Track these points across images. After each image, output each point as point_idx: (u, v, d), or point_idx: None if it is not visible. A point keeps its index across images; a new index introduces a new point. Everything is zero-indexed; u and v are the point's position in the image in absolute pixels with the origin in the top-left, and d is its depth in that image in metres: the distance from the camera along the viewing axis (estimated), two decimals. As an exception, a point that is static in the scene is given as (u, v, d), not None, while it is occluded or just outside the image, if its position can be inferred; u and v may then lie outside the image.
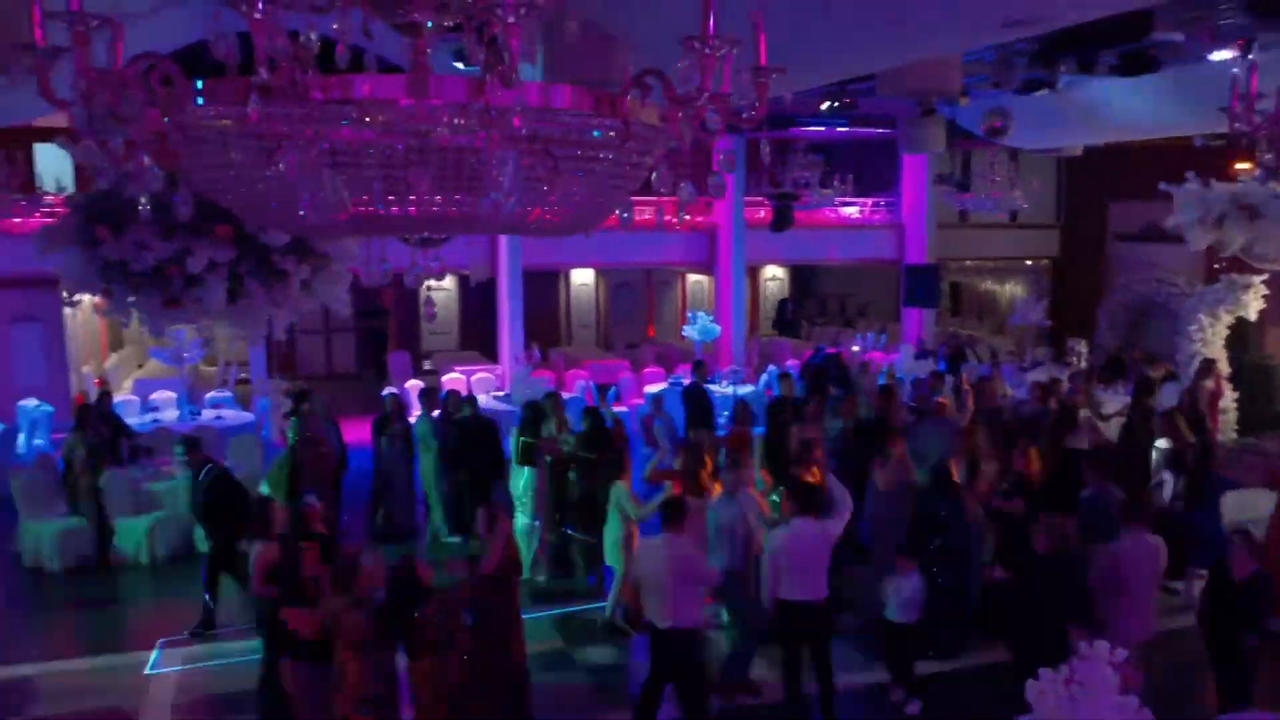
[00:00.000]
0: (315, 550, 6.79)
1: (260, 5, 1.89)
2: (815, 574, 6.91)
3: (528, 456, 10.05)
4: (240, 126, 2.04)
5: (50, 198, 15.37)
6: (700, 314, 17.13)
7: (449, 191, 2.23)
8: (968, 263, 23.76)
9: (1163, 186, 11.80)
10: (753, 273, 24.49)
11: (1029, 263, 23.12)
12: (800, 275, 25.25)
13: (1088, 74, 9.57)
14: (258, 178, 2.07)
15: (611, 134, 2.37)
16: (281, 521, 7.29)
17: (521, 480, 10.14)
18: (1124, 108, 11.20)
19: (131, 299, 5.84)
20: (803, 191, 14.52)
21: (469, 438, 10.75)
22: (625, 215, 3.08)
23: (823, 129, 18.96)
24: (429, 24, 2.27)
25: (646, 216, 19.21)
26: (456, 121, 2.07)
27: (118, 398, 15.08)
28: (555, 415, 10.82)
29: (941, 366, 16.44)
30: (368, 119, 2.21)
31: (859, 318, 24.49)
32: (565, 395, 15.81)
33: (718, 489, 8.37)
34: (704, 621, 7.14)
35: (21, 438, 13.62)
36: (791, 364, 18.01)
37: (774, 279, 24.69)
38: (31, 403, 14.42)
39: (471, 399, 11.83)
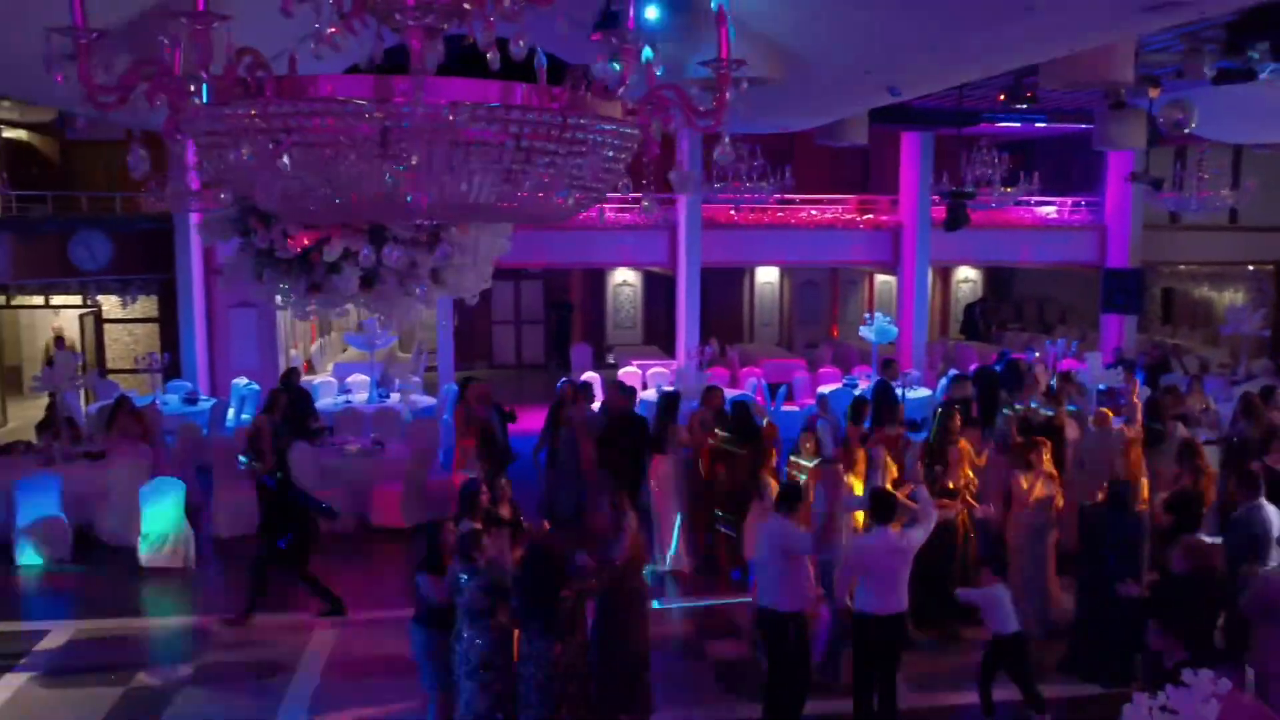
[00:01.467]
0: (451, 526, 7.12)
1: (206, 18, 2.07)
2: (891, 585, 6.76)
3: (658, 445, 10.25)
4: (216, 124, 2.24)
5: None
6: (878, 314, 16.76)
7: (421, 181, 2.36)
8: (1181, 267, 22.15)
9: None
10: (944, 274, 23.74)
11: (1251, 268, 21.30)
12: (996, 277, 24.25)
13: (1283, 61, 8.77)
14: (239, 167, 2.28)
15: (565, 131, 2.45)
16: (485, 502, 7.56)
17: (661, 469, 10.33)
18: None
19: (281, 285, 6.38)
20: (984, 190, 13.93)
21: (612, 429, 11.02)
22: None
23: (1018, 125, 18.22)
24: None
25: (829, 214, 19.06)
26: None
27: (318, 379, 16.32)
28: (710, 409, 10.96)
29: (1140, 377, 15.45)
30: (370, 115, 2.40)
31: (1058, 324, 23.26)
32: (734, 392, 15.89)
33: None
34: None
35: (231, 412, 14.90)
36: (975, 369, 17.37)
37: (966, 281, 23.82)
38: (242, 381, 15.76)
39: (630, 391, 12.06)
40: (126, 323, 17.17)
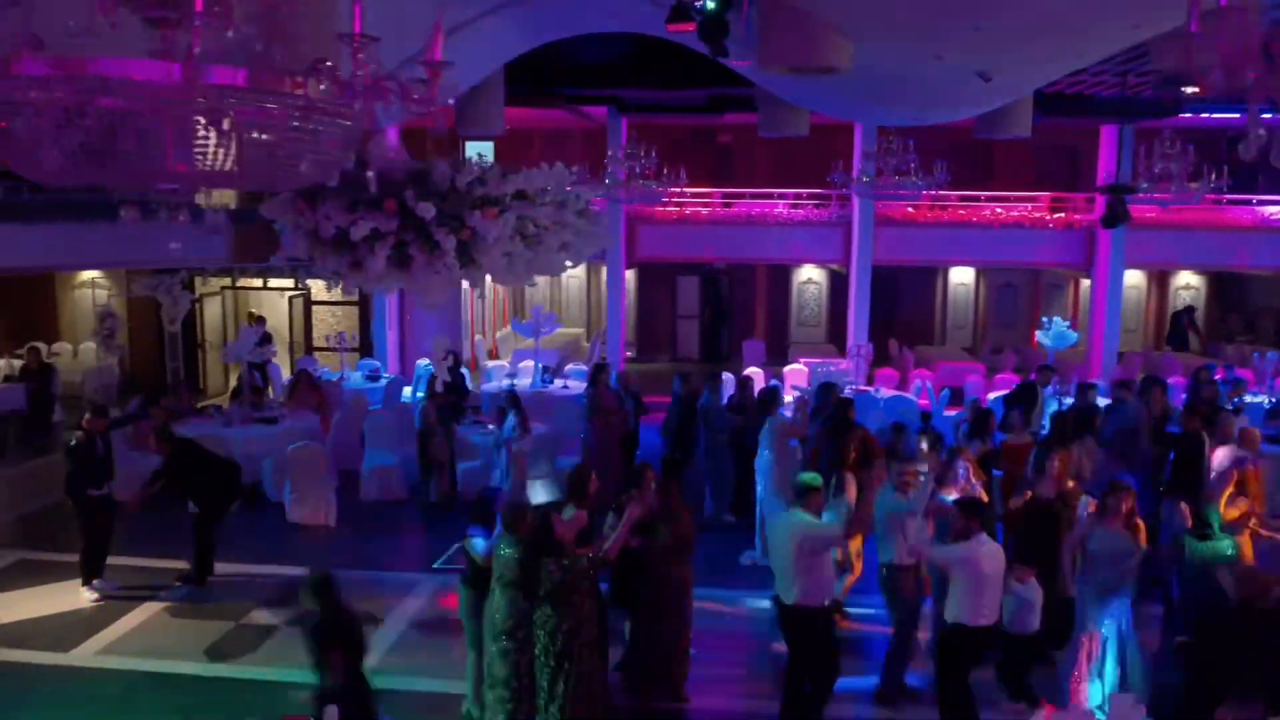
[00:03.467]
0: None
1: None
2: (997, 595, 6.60)
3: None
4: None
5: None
6: (1055, 319, 15.86)
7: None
8: None
9: None
10: (1160, 279, 22.01)
11: None
12: (1222, 284, 22.13)
13: None
14: None
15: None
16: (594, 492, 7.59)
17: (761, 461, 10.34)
18: None
19: (329, 263, 6.99)
20: (1162, 185, 12.83)
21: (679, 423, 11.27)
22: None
23: (1238, 116, 16.67)
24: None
25: (1016, 212, 18.17)
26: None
27: (495, 363, 17.29)
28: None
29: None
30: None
31: (1296, 336, 20.99)
32: (892, 393, 15.51)
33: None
34: None
35: (407, 390, 16.08)
36: (1175, 381, 16.10)
37: (1187, 287, 21.91)
38: (423, 362, 16.93)
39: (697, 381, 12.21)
40: (330, 305, 18.80)
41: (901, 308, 22.27)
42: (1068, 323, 15.81)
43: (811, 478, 6.80)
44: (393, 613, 9.06)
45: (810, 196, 18.41)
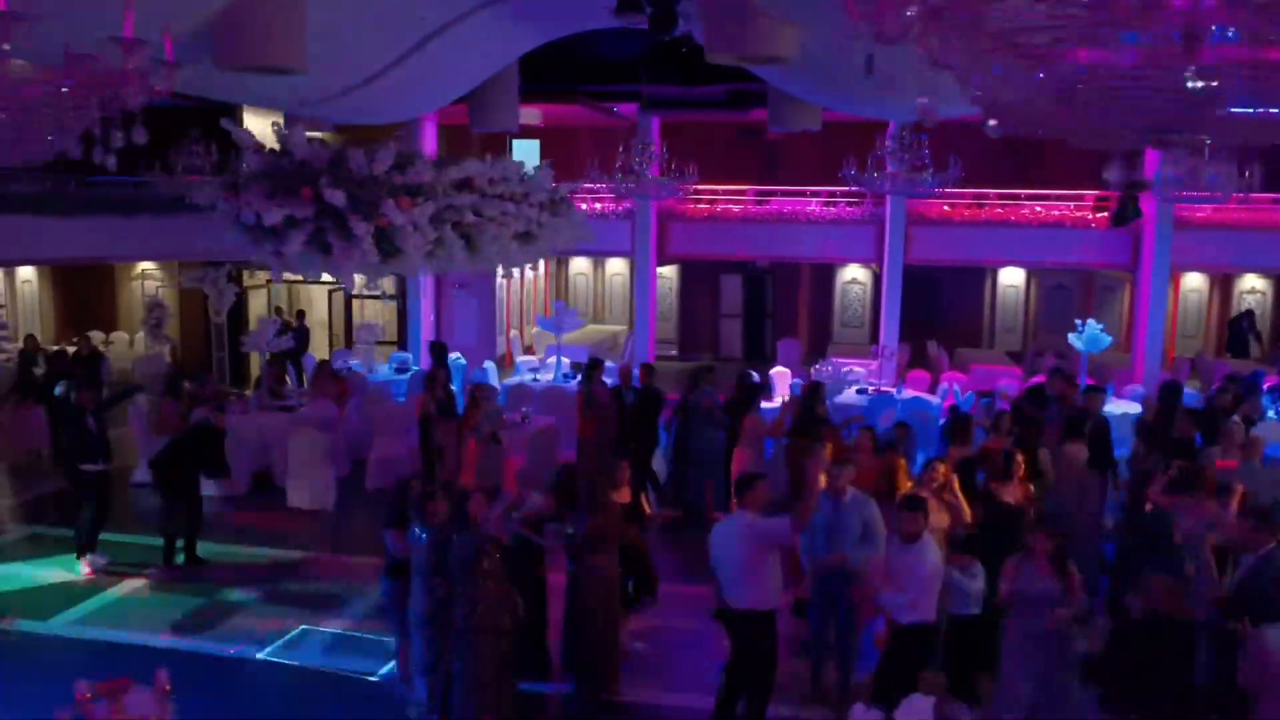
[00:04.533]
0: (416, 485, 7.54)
1: None
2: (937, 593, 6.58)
3: (735, 437, 10.25)
4: None
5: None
6: (1090, 321, 15.33)
7: None
8: None
9: None
10: (1224, 282, 21.10)
11: None
12: (1293, 288, 21.09)
13: None
14: None
15: None
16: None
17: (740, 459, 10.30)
18: None
19: (261, 250, 7.21)
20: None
21: (642, 407, 11.26)
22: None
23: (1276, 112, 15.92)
24: None
25: (1056, 212, 17.66)
26: None
27: (523, 358, 17.48)
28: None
29: None
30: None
31: (1371, 343, 19.90)
32: (912, 395, 15.20)
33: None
34: None
35: (433, 383, 16.35)
36: (1162, 382, 15.49)
37: (1252, 291, 20.94)
38: (453, 355, 17.21)
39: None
40: (371, 299, 19.23)
41: (949, 309, 21.82)
42: (1101, 325, 15.24)
43: (747, 476, 6.74)
44: (363, 599, 9.25)
45: (844, 194, 18.14)
